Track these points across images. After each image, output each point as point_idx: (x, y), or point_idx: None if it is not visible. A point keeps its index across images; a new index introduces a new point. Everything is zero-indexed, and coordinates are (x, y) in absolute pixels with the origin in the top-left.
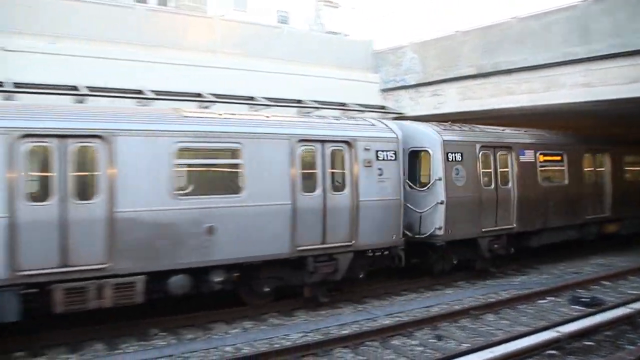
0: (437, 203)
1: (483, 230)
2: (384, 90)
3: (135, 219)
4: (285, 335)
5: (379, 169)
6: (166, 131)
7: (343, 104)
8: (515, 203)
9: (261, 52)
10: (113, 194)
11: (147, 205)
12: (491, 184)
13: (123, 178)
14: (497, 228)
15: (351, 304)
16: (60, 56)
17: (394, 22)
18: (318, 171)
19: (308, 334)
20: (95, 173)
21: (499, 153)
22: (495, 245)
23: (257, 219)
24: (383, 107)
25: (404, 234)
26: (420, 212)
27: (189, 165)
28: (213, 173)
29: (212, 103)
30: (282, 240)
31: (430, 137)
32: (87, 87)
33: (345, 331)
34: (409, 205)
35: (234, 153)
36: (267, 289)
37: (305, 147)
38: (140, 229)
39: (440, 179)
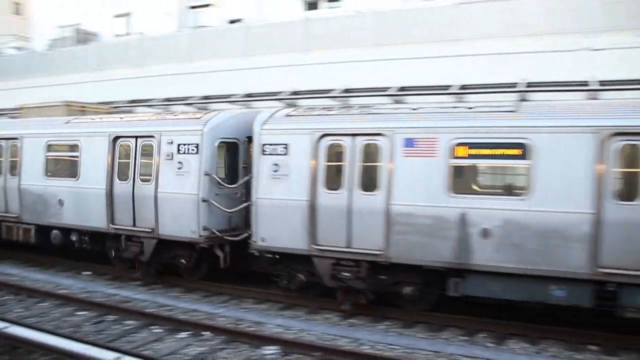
0: (249, 203)
1: (317, 247)
2: None
3: (29, 189)
4: None
5: (179, 162)
6: (43, 133)
7: None
8: (385, 217)
9: None
10: None
11: (30, 181)
12: (339, 185)
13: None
14: (352, 250)
15: None
16: None
17: None
18: (131, 162)
19: None
20: None
21: (363, 143)
22: (345, 274)
23: (87, 199)
24: None
25: (212, 232)
26: (230, 212)
27: (54, 156)
28: (64, 162)
29: None
30: (102, 218)
31: (254, 126)
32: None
33: None
34: (214, 202)
35: (74, 147)
36: (113, 255)
37: (122, 142)
38: (30, 196)
39: (252, 177)
